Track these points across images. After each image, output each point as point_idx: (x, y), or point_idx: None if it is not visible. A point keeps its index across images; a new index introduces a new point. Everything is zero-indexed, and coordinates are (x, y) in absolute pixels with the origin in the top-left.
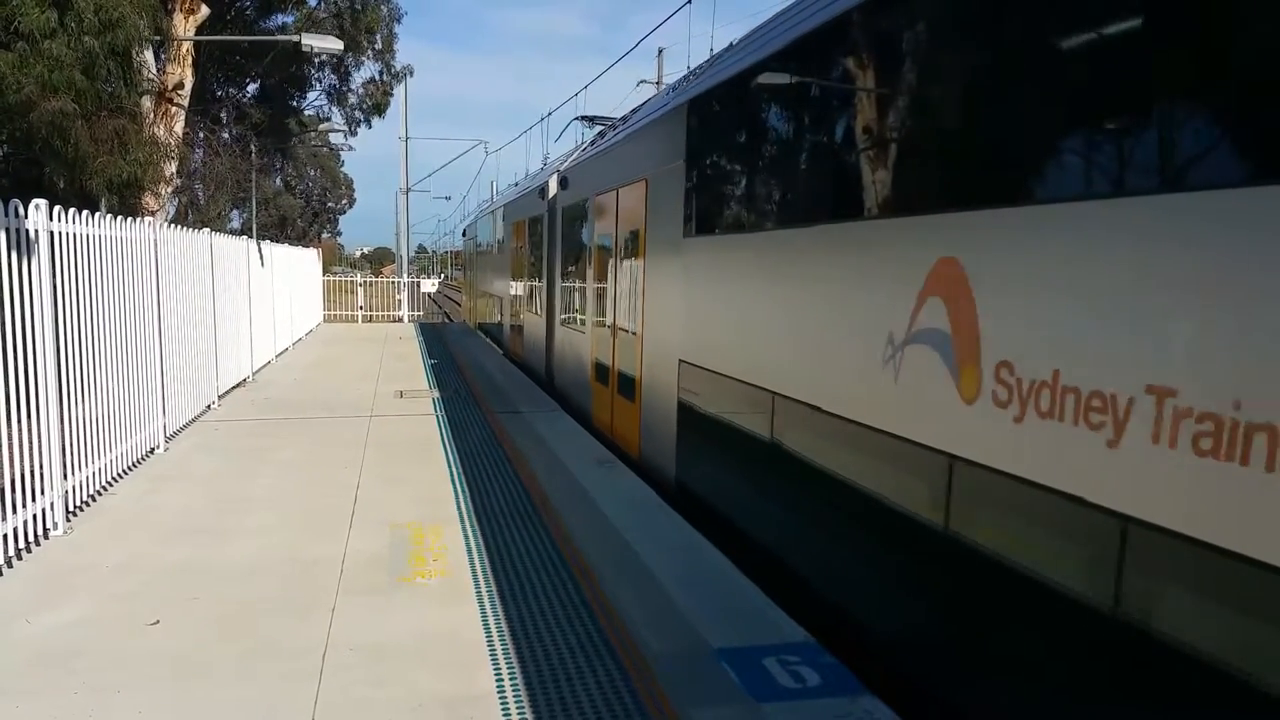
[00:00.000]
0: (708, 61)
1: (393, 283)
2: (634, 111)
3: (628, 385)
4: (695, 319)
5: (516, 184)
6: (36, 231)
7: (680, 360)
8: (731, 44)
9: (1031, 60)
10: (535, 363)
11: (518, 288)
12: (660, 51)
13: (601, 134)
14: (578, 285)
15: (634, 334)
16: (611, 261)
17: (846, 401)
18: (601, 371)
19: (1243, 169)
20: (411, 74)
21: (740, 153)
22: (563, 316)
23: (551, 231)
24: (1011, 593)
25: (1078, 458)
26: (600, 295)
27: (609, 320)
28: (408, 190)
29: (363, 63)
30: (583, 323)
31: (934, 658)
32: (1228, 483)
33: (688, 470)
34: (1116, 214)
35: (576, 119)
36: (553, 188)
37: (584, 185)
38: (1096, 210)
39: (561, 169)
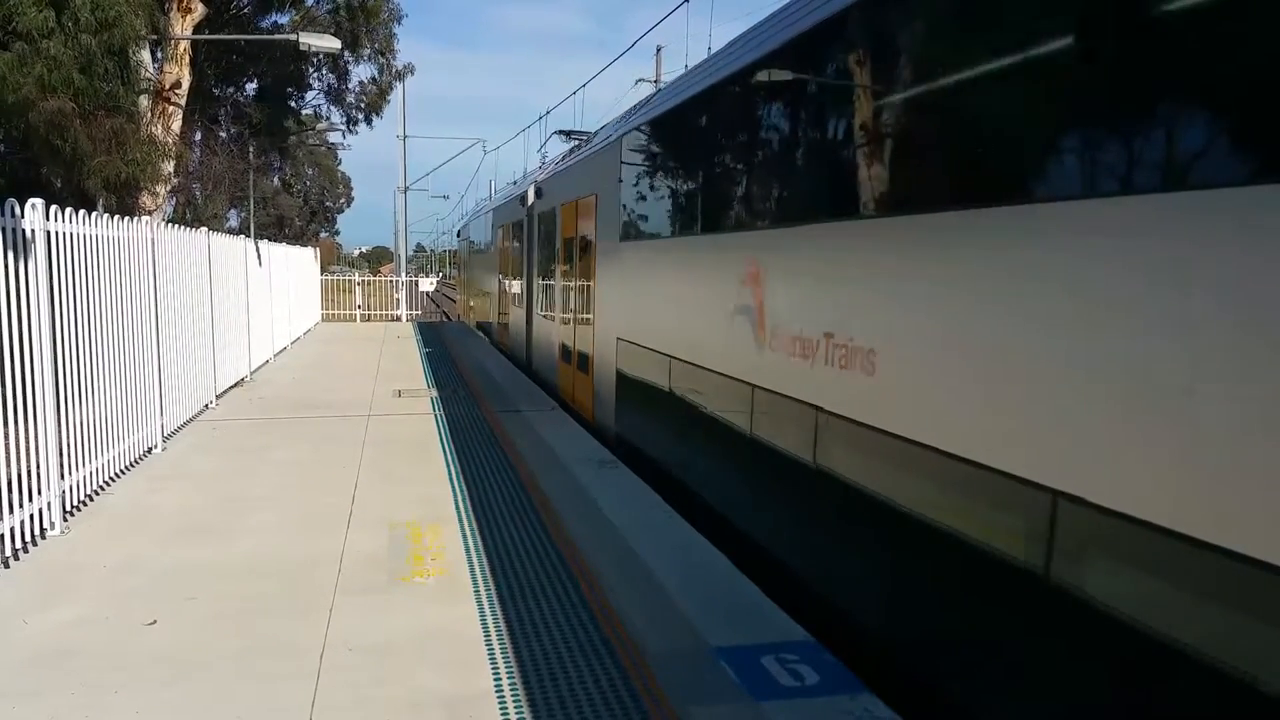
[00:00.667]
0: (647, 98)
1: (391, 282)
2: (600, 130)
3: (584, 361)
4: (626, 306)
5: (514, 182)
6: (33, 231)
7: (618, 339)
8: (660, 88)
9: (768, 154)
10: (518, 350)
11: (503, 284)
12: (659, 50)
13: (575, 148)
14: (549, 282)
15: (588, 321)
16: (573, 261)
17: (707, 357)
18: (565, 352)
19: (853, 209)
20: (412, 72)
21: (649, 179)
22: (538, 309)
23: (530, 234)
24: (775, 457)
25: (798, 375)
26: (565, 290)
27: (571, 309)
28: (406, 189)
29: (362, 61)
30: (552, 313)
31: (745, 502)
32: (852, 383)
33: (623, 423)
34: (802, 236)
35: (555, 133)
36: (530, 196)
37: (553, 195)
38: (797, 231)
39: (538, 179)
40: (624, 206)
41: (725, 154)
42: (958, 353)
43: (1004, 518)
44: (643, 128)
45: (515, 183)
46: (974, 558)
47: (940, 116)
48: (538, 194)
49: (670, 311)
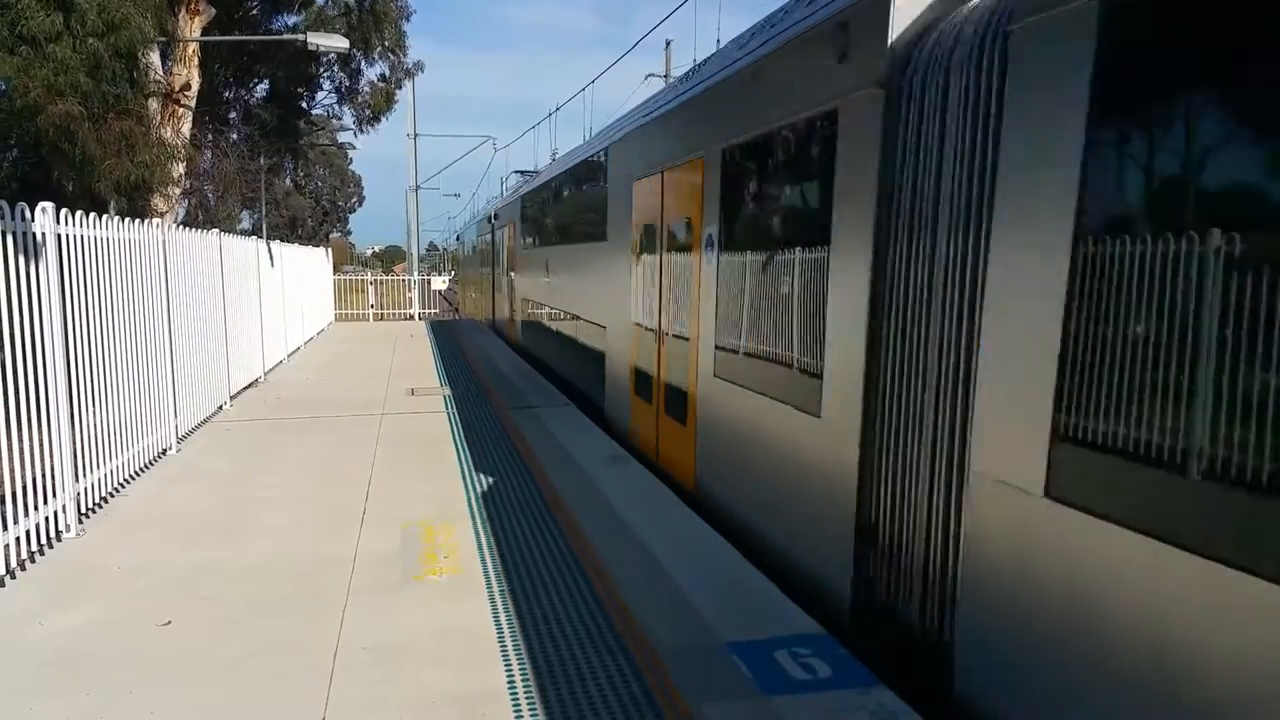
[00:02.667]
0: (552, 161)
1: (403, 281)
2: (546, 167)
3: (514, 314)
4: (523, 280)
5: (519, 182)
6: (44, 234)
7: (520, 297)
8: (554, 156)
9: (549, 215)
10: (495, 322)
11: (486, 278)
12: (668, 44)
13: (520, 187)
14: (506, 276)
15: (515, 288)
16: (506, 262)
17: (544, 300)
18: (511, 315)
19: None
20: (421, 70)
21: (532, 218)
22: (504, 294)
23: (496, 243)
24: (565, 337)
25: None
26: (511, 280)
27: (516, 289)
28: (417, 188)
29: (373, 60)
30: (511, 294)
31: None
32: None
33: (524, 339)
34: (566, 251)
35: (514, 172)
36: (495, 217)
37: (500, 219)
38: (565, 248)
39: (496, 207)
40: (523, 231)
41: (549, 210)
42: (587, 287)
43: (596, 337)
44: (527, 194)
45: (525, 180)
46: (596, 356)
47: (578, 213)
48: (494, 216)
49: (538, 285)
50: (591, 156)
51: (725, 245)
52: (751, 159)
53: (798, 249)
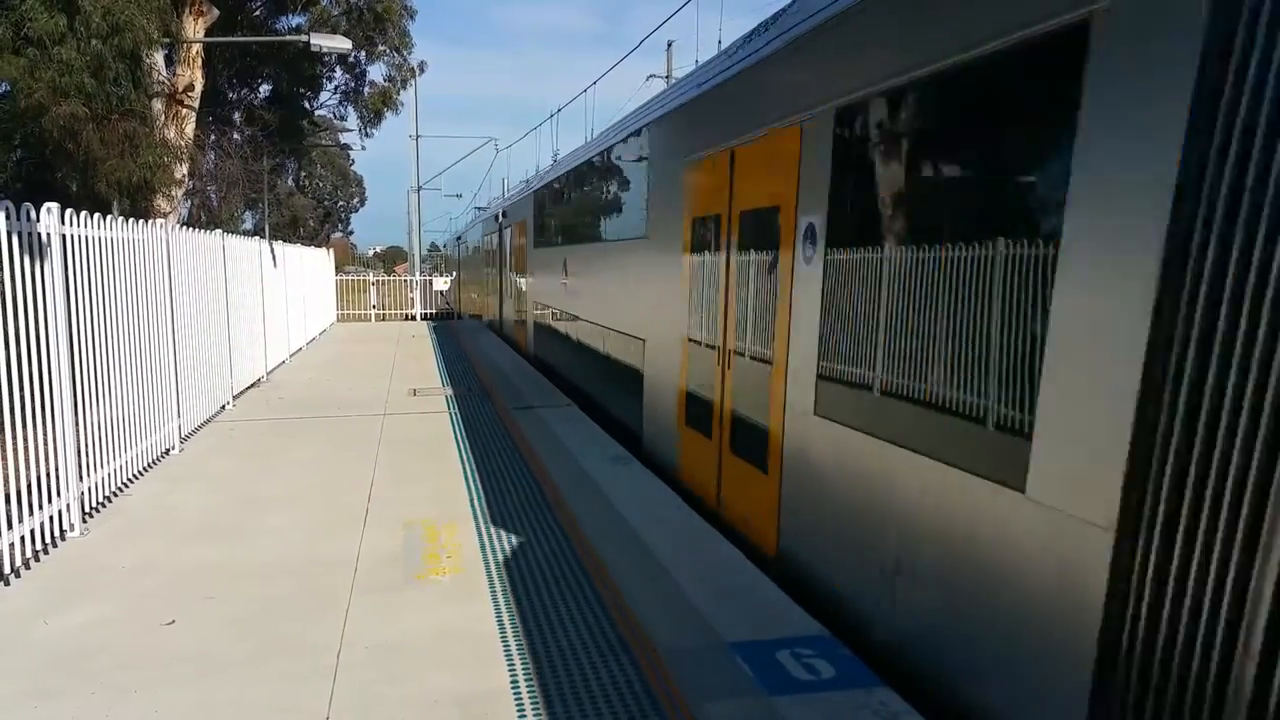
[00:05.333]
0: (551, 165)
1: (405, 281)
2: (534, 177)
3: (524, 314)
4: (538, 283)
5: (525, 181)
6: (49, 235)
7: (533, 302)
8: (555, 157)
9: (566, 213)
10: (491, 319)
11: (493, 281)
12: (669, 45)
13: (522, 190)
14: (509, 274)
15: (525, 293)
16: (516, 259)
17: (564, 308)
18: (513, 312)
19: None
20: (424, 70)
21: (544, 216)
22: (506, 292)
23: (503, 241)
24: (589, 350)
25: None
26: (516, 279)
27: (518, 288)
28: (419, 188)
29: (376, 60)
30: (512, 292)
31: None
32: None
33: (537, 349)
34: (591, 252)
35: (474, 207)
36: (503, 215)
37: (510, 217)
38: (579, 249)
39: (504, 206)
40: (537, 227)
41: (562, 207)
42: (598, 289)
43: (603, 338)
44: (539, 189)
45: (526, 181)
46: (600, 357)
47: (591, 210)
48: (503, 214)
49: (551, 284)
50: (624, 139)
51: (836, 240)
52: (897, 118)
53: (985, 242)
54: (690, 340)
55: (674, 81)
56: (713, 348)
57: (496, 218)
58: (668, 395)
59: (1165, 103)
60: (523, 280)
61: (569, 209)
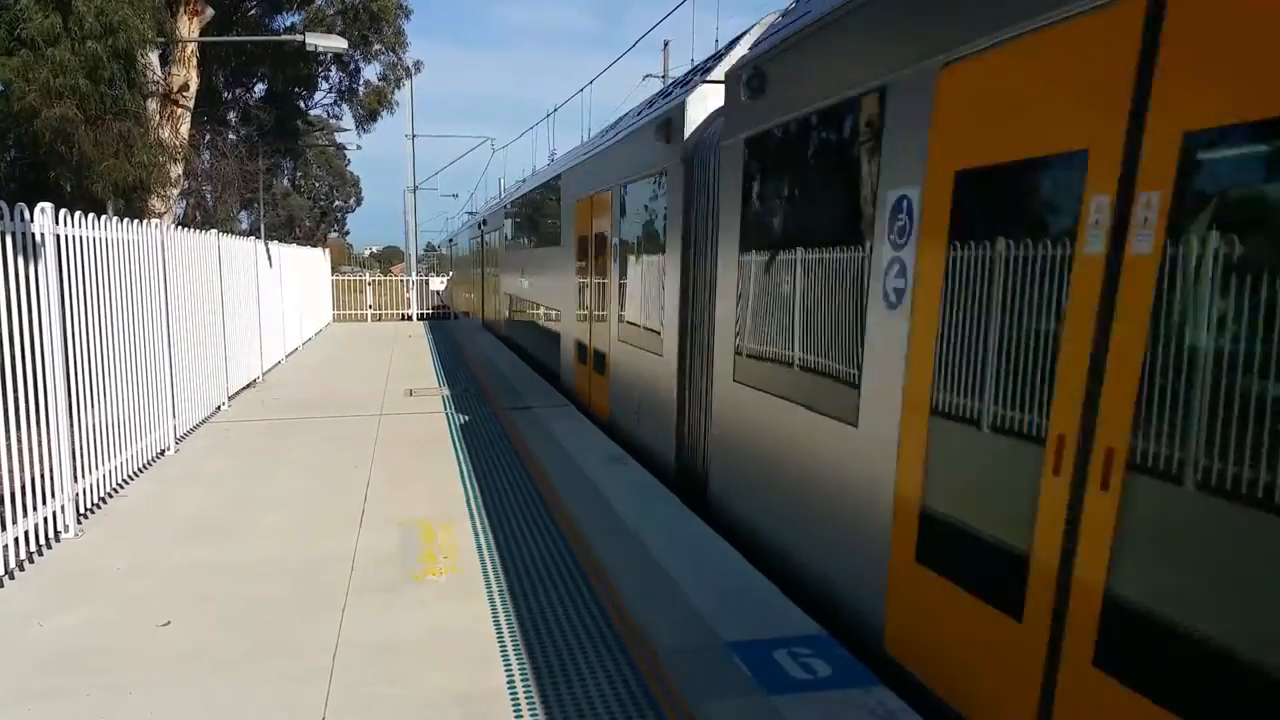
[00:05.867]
0: (523, 179)
1: (401, 281)
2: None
3: (499, 302)
4: (508, 277)
5: (523, 180)
6: (43, 235)
7: (506, 294)
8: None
9: (522, 225)
10: (476, 312)
11: (474, 275)
12: (666, 44)
13: (495, 204)
14: (489, 272)
15: (500, 285)
16: (495, 259)
17: (520, 295)
18: (491, 302)
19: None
20: (420, 69)
21: (508, 225)
22: (487, 286)
23: (485, 244)
24: (535, 324)
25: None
26: (494, 276)
27: (495, 282)
28: (415, 188)
29: (371, 60)
30: (490, 285)
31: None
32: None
33: (509, 331)
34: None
35: (467, 212)
36: (483, 222)
37: (489, 224)
38: (535, 251)
39: (485, 214)
40: (507, 231)
41: (517, 221)
42: (539, 280)
43: (551, 321)
44: (506, 204)
45: (523, 180)
46: (541, 327)
47: (536, 221)
48: (483, 222)
49: (517, 278)
50: (548, 180)
51: (622, 250)
52: (621, 198)
53: (641, 256)
54: (579, 310)
55: (583, 143)
56: (586, 317)
57: (479, 224)
58: (571, 347)
59: (680, 203)
60: (496, 275)
61: (524, 222)
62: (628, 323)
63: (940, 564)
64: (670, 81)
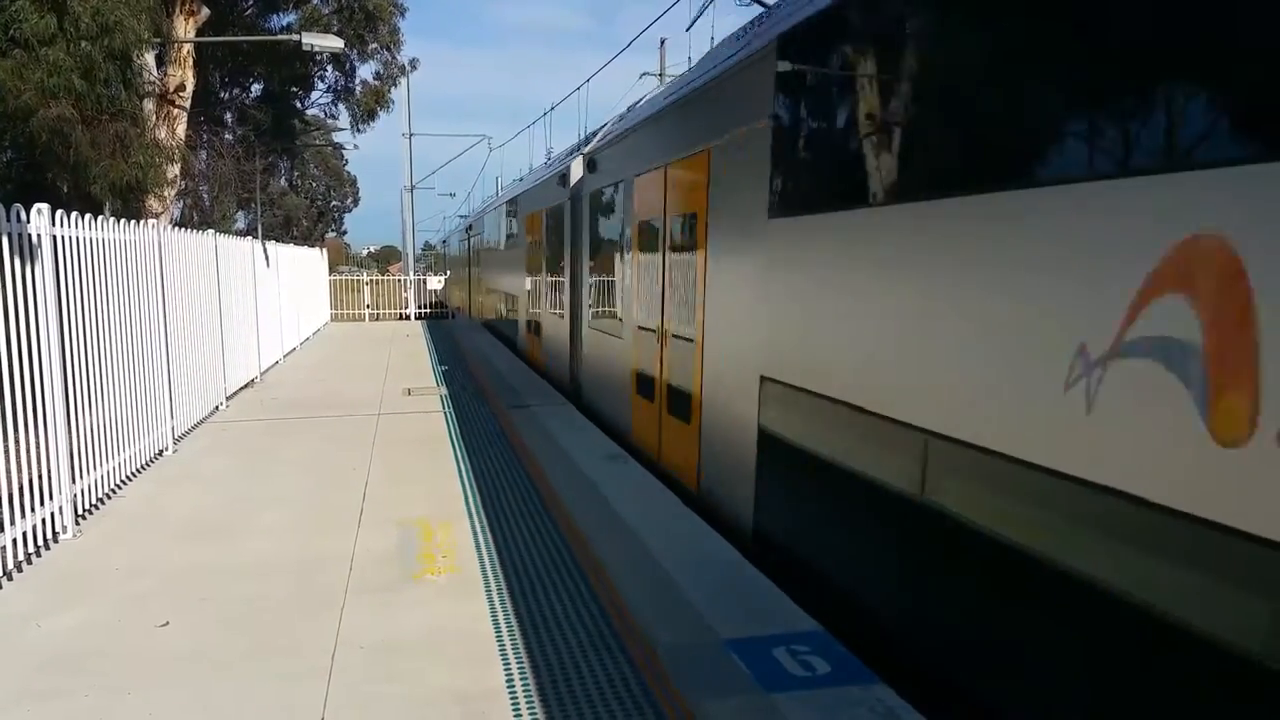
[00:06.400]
0: (506, 187)
1: (399, 281)
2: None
3: (495, 299)
4: (488, 271)
5: (520, 179)
6: (39, 236)
7: (483, 286)
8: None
9: (493, 229)
10: (466, 308)
11: (464, 275)
12: (662, 42)
13: (486, 207)
14: (476, 272)
15: (481, 279)
16: (480, 258)
17: (491, 284)
18: (474, 293)
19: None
20: (416, 67)
21: (486, 228)
22: (472, 279)
23: (471, 244)
24: (501, 308)
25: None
26: (480, 274)
27: (484, 281)
28: (412, 188)
29: (367, 58)
30: (479, 285)
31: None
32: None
33: (486, 320)
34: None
35: (458, 216)
36: (469, 228)
37: (474, 229)
38: (499, 251)
39: (469, 219)
40: (478, 232)
41: (503, 221)
42: (503, 273)
43: (504, 299)
44: (501, 204)
45: (521, 178)
46: (512, 314)
47: (501, 228)
48: (470, 225)
49: (501, 273)
50: (512, 197)
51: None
52: (544, 218)
53: (543, 271)
54: (528, 292)
55: (529, 172)
56: (531, 298)
57: (467, 228)
58: (522, 321)
59: (571, 226)
60: (478, 270)
61: (495, 226)
62: (547, 300)
63: (529, 330)
64: (574, 143)
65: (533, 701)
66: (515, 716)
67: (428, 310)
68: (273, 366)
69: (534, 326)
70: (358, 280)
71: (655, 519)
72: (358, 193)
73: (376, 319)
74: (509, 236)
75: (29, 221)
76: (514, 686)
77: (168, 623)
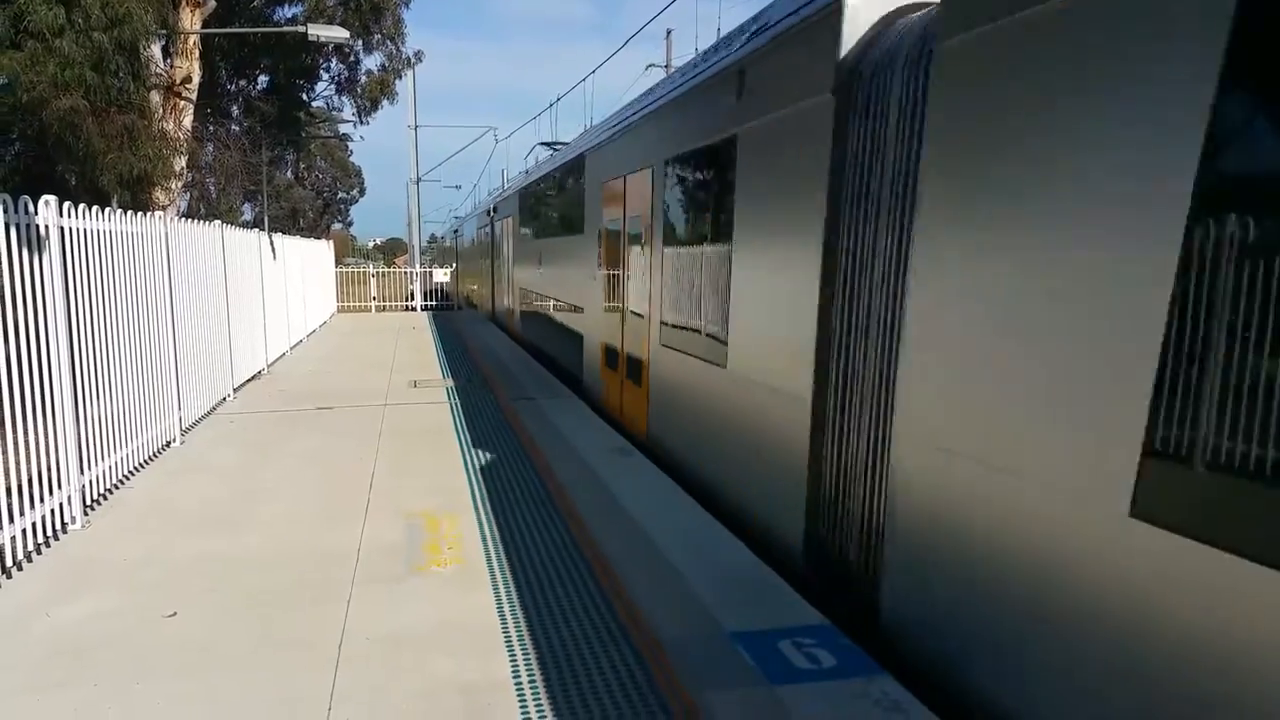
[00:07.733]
0: (500, 188)
1: (405, 273)
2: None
3: (475, 286)
4: (465, 267)
5: (526, 171)
6: (47, 227)
7: (465, 272)
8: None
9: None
10: (460, 296)
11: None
12: (669, 33)
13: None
14: (465, 265)
15: (468, 274)
16: (468, 255)
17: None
18: (472, 288)
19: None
20: (421, 59)
21: (461, 240)
22: (463, 275)
23: (459, 237)
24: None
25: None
26: (468, 267)
27: (471, 272)
28: (418, 180)
29: (372, 49)
30: (470, 274)
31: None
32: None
33: (462, 293)
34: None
35: (456, 216)
36: (459, 229)
37: (464, 227)
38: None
39: (459, 218)
40: (460, 239)
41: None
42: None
43: (478, 278)
44: (492, 206)
45: (526, 171)
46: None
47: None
48: (457, 227)
49: (483, 257)
50: (499, 201)
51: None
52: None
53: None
54: (516, 280)
55: (518, 175)
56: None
57: (441, 237)
58: (509, 305)
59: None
60: (469, 260)
61: (455, 239)
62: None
63: (513, 313)
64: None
65: (538, 692)
66: (521, 707)
67: (434, 303)
68: (280, 358)
69: (515, 297)
70: (364, 272)
71: (661, 511)
72: (364, 185)
73: (383, 311)
74: (480, 230)
75: (38, 213)
76: (519, 677)
77: (175, 613)
